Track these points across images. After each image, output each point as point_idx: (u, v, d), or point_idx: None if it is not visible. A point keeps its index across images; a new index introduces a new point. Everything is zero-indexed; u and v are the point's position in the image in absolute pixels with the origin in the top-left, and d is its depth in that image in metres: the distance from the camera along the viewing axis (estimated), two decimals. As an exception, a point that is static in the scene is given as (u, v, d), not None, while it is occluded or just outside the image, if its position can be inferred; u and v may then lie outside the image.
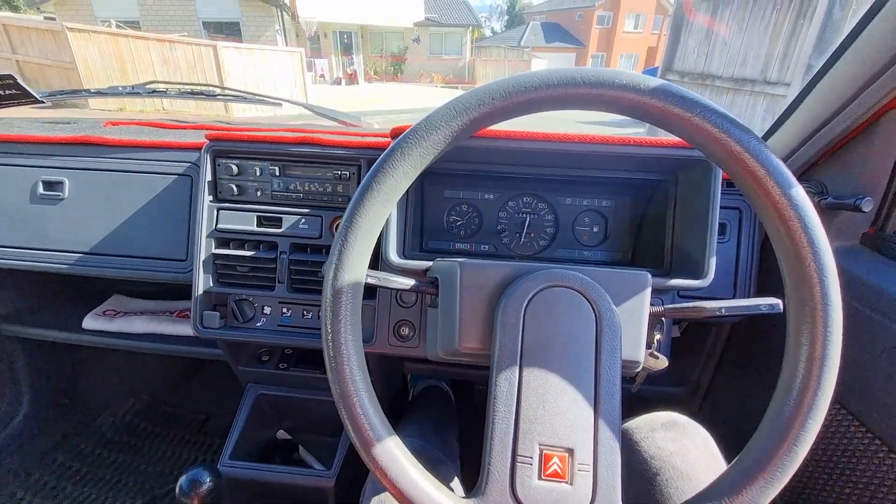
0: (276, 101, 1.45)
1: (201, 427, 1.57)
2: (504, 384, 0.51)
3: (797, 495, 0.87)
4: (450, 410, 1.26)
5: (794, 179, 0.39)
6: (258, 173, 0.87)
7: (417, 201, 0.89)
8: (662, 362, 0.63)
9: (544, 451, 0.48)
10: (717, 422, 1.14)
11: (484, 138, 0.75)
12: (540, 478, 0.47)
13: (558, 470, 0.47)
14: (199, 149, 0.93)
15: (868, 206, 0.72)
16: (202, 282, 0.87)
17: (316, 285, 0.87)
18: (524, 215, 0.92)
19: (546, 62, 25.06)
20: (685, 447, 0.69)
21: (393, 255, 0.74)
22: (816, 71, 0.76)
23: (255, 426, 1.09)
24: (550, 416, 0.49)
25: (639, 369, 0.60)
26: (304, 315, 0.90)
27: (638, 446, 0.72)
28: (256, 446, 1.11)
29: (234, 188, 0.87)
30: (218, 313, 0.87)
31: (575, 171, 0.85)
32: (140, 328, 1.17)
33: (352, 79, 18.14)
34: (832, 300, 0.38)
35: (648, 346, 0.61)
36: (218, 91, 1.38)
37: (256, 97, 1.43)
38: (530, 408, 0.50)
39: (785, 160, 0.87)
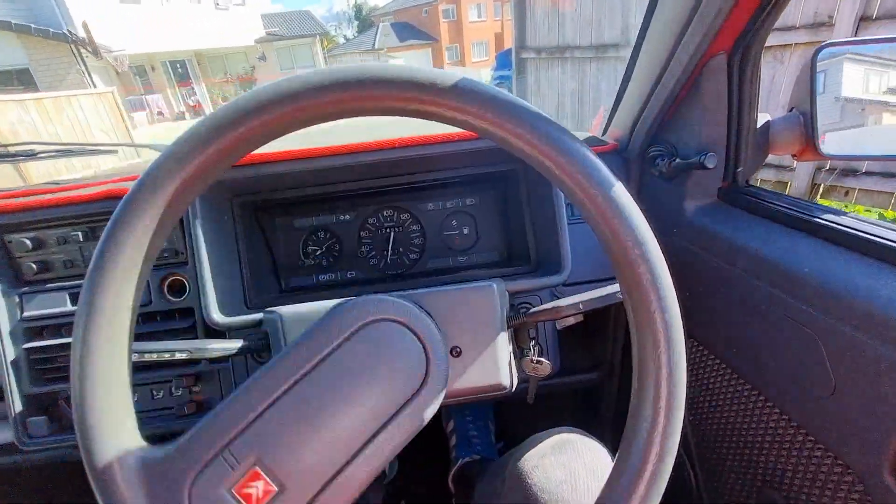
0: (111, 147, 1.28)
1: None
2: (277, 370, 0.39)
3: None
4: None
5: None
6: (61, 243, 0.76)
7: (257, 239, 0.80)
8: (546, 368, 0.59)
9: (256, 469, 0.37)
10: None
11: (297, 160, 0.68)
12: (229, 489, 0.36)
13: (253, 495, 0.36)
14: None
15: (712, 161, 0.69)
16: (15, 386, 0.75)
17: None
18: (388, 231, 0.86)
19: (403, 61, 25.07)
20: (574, 472, 0.61)
21: (215, 314, 0.66)
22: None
23: None
24: (294, 442, 0.38)
25: (509, 390, 0.55)
26: (154, 395, 0.79)
27: (528, 479, 0.62)
28: None
29: (34, 266, 0.76)
30: (46, 417, 0.76)
31: (430, 174, 0.77)
32: None
33: (196, 110, 16.53)
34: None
35: (525, 354, 0.60)
36: (39, 149, 1.16)
37: (88, 147, 1.24)
38: (280, 418, 0.39)
39: (632, 130, 0.84)
